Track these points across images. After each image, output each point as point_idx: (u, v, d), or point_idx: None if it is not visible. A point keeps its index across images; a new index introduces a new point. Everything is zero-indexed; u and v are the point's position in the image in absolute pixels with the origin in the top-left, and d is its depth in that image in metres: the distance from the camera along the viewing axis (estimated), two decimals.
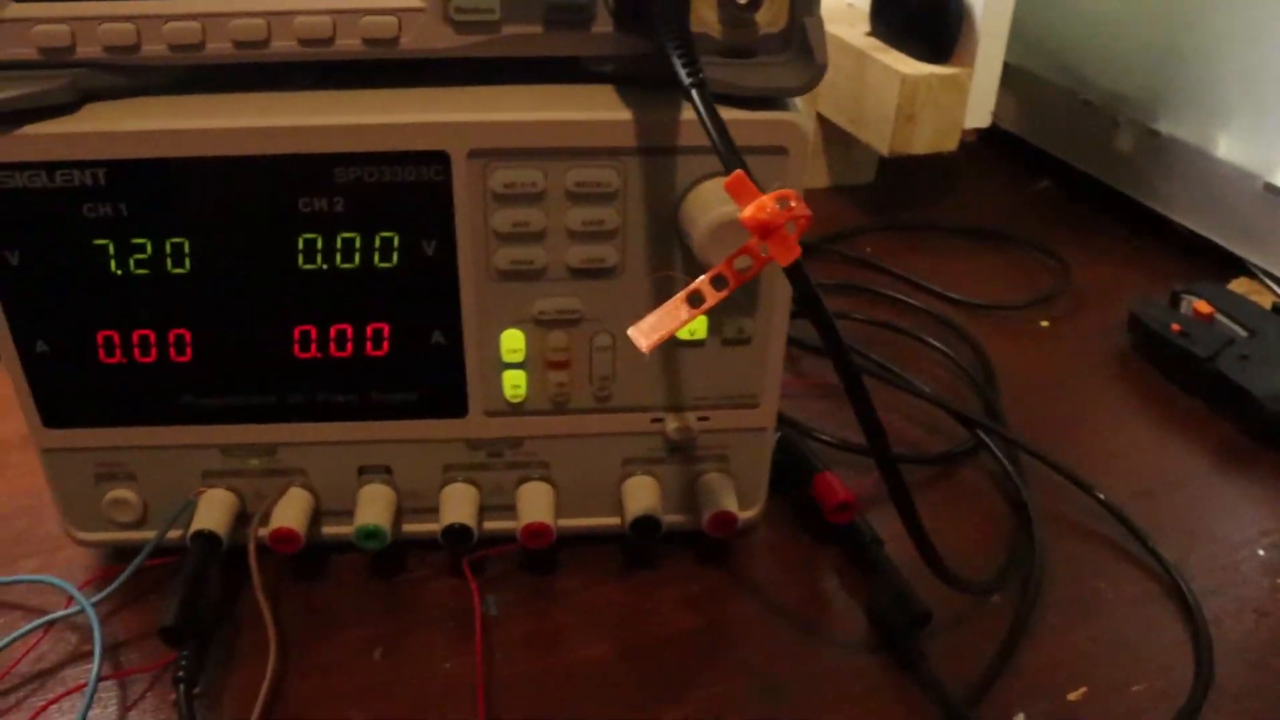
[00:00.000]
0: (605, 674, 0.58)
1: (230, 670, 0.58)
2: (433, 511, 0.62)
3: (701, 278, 0.43)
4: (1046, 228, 1.03)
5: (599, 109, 0.51)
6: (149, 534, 0.62)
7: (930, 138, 0.92)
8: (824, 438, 0.71)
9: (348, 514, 0.62)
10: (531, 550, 0.61)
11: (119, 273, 0.54)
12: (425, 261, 0.53)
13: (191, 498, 0.60)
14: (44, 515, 0.68)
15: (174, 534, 0.61)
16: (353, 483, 0.61)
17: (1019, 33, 0.90)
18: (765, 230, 0.39)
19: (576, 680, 0.58)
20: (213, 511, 0.59)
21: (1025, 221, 1.03)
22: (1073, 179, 1.08)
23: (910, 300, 0.89)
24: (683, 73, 0.42)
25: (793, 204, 0.38)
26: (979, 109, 0.91)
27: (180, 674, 0.54)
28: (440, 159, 0.51)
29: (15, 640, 0.58)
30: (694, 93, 0.42)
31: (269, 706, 0.55)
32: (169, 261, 0.53)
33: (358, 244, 0.53)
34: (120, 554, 0.63)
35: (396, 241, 0.53)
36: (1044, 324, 0.90)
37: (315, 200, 0.52)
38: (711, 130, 0.41)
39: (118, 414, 0.59)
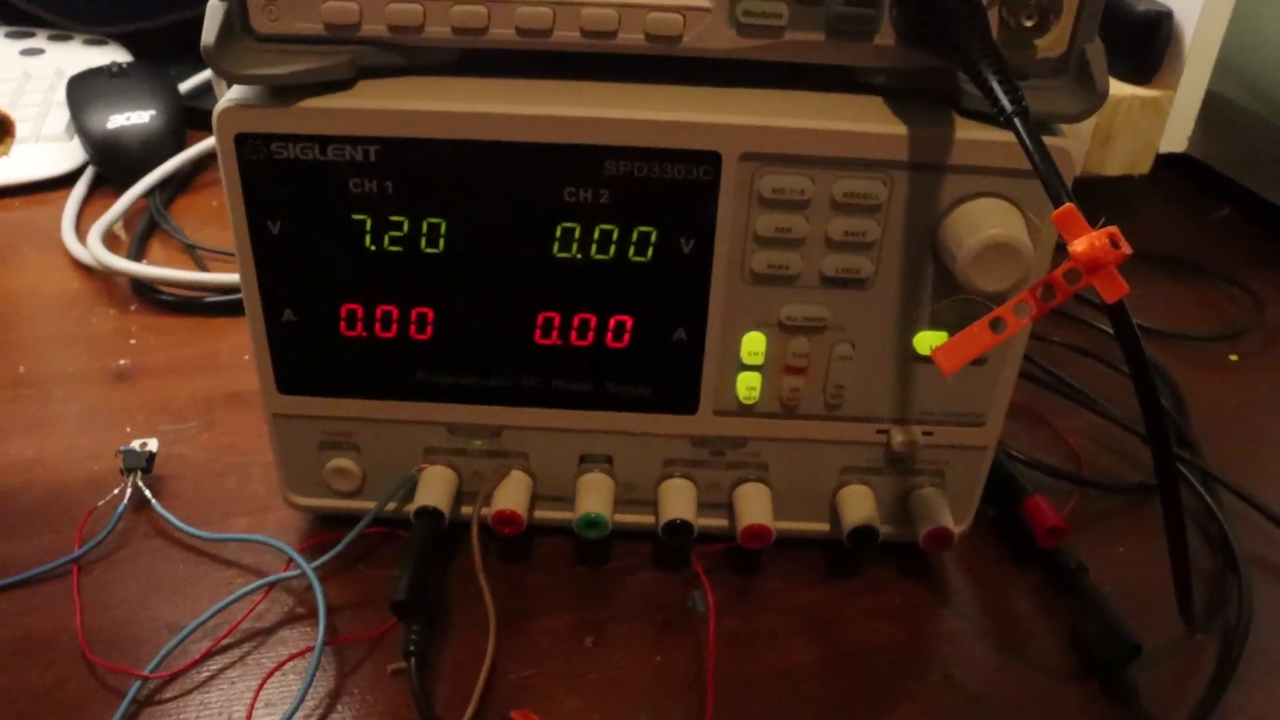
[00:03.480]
0: (813, 680, 0.58)
1: (445, 647, 0.59)
2: (646, 504, 0.63)
3: (1005, 304, 0.42)
4: (1232, 257, 1.00)
5: (873, 121, 0.51)
6: (364, 504, 0.62)
7: (1124, 160, 0.91)
8: (1018, 456, 0.69)
9: (560, 499, 0.63)
10: (747, 550, 0.61)
11: (373, 248, 0.55)
12: (680, 259, 0.54)
13: (414, 473, 0.60)
14: (252, 475, 0.69)
15: (388, 506, 0.62)
16: (572, 470, 0.61)
17: (1219, 58, 0.87)
18: (1093, 266, 0.39)
19: (785, 684, 0.58)
20: (436, 488, 0.59)
21: (1209, 250, 1.01)
22: (1260, 209, 1.04)
23: (1095, 324, 0.87)
24: (1005, 99, 0.42)
25: (1120, 244, 0.38)
26: (1176, 133, 0.90)
27: (412, 648, 0.54)
28: (712, 159, 0.51)
29: (240, 599, 0.58)
30: (1016, 120, 0.42)
31: (487, 685, 0.55)
32: (424, 240, 0.54)
33: (615, 236, 0.53)
34: (330, 521, 0.65)
35: (654, 237, 0.53)
36: (1233, 358, 0.88)
37: (581, 191, 0.52)
38: (1036, 159, 0.41)
39: (351, 386, 0.59)
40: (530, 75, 0.53)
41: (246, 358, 0.80)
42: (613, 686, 0.58)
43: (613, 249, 0.53)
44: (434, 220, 0.53)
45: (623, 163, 0.52)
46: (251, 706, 0.55)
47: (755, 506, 0.60)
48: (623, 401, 0.59)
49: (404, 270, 0.55)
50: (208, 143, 1.03)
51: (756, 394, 0.57)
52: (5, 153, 0.56)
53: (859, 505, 0.60)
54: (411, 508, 0.60)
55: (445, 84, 0.52)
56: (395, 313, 0.56)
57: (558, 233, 0.53)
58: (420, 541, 0.58)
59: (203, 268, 0.91)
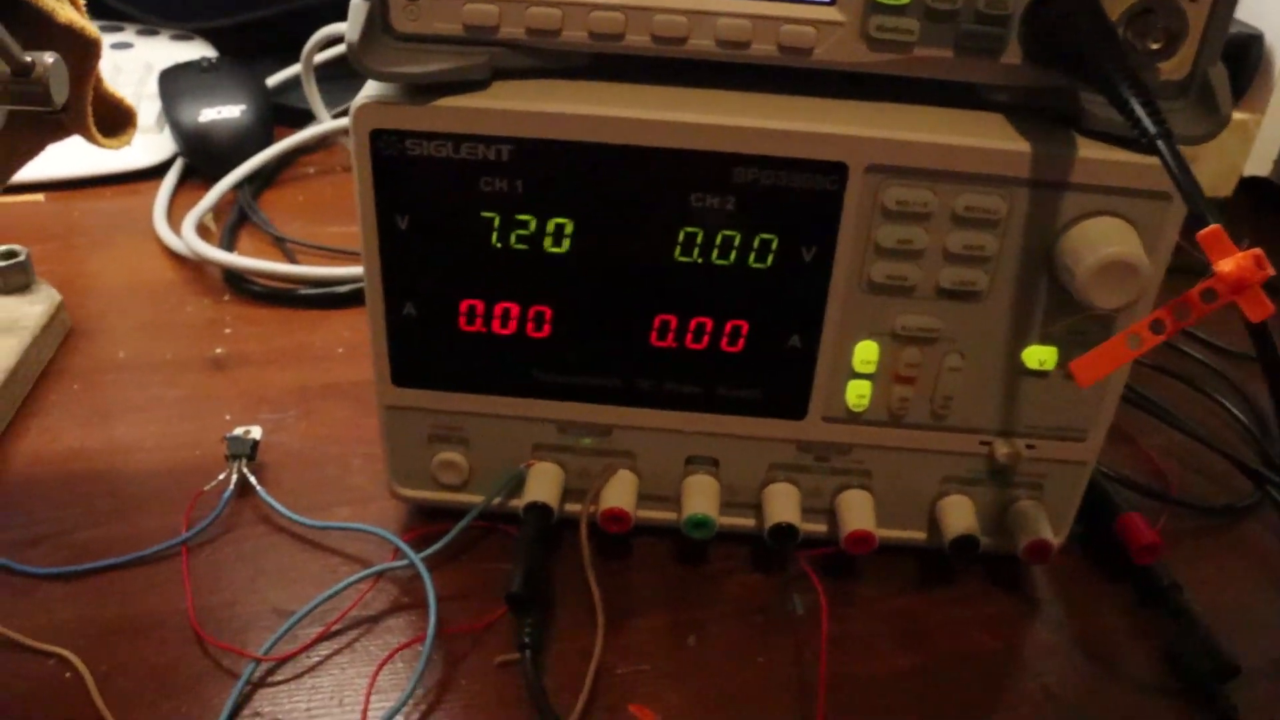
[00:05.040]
0: (911, 686, 0.59)
1: (548, 641, 0.60)
2: (747, 507, 0.64)
3: (1140, 321, 0.43)
4: None
5: (997, 138, 0.52)
6: (468, 498, 0.64)
7: (1208, 182, 0.91)
8: (1109, 473, 0.70)
9: (664, 500, 0.64)
10: (843, 555, 0.62)
11: (498, 246, 0.56)
12: (800, 267, 0.54)
13: (521, 468, 0.61)
14: (351, 465, 0.70)
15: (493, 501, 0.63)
16: (678, 471, 0.62)
17: None
18: (1239, 287, 0.39)
19: (883, 688, 0.59)
20: (544, 484, 0.60)
21: None
22: None
23: (1178, 345, 0.87)
24: (1148, 121, 0.43)
25: (1264, 265, 0.39)
26: (1261, 157, 0.90)
27: (526, 640, 0.55)
28: (838, 170, 0.52)
29: (348, 587, 0.59)
30: (1160, 143, 0.42)
31: (595, 680, 0.56)
32: (549, 240, 0.55)
33: (737, 242, 0.54)
34: (431, 513, 0.66)
35: (775, 244, 0.54)
36: None
37: (708, 197, 0.53)
38: (1182, 180, 0.42)
39: (465, 381, 0.61)
40: (658, 81, 0.54)
41: (340, 350, 0.82)
42: (716, 685, 0.58)
43: (734, 255, 0.54)
44: (560, 220, 0.54)
45: (751, 170, 0.52)
46: (368, 694, 0.55)
47: (860, 513, 0.61)
48: (733, 405, 0.60)
49: (527, 268, 0.56)
50: (295, 138, 1.05)
51: (866, 402, 0.58)
52: (127, 142, 0.57)
53: (960, 515, 0.60)
54: (520, 502, 0.61)
55: (578, 87, 0.53)
56: (515, 310, 0.57)
57: (680, 237, 0.54)
58: (531, 536, 0.59)
59: (291, 260, 0.92)
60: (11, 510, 0.67)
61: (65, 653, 0.57)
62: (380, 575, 0.62)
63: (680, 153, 0.52)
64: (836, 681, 0.58)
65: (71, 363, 0.80)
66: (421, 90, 0.52)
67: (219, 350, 0.81)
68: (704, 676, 0.59)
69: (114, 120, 0.58)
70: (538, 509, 0.60)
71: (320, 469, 0.70)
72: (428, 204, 0.55)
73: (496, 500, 0.64)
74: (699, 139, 0.52)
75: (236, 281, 0.88)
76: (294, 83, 1.11)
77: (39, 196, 1.01)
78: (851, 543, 0.60)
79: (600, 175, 0.53)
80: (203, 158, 1.04)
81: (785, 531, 0.60)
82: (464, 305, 0.57)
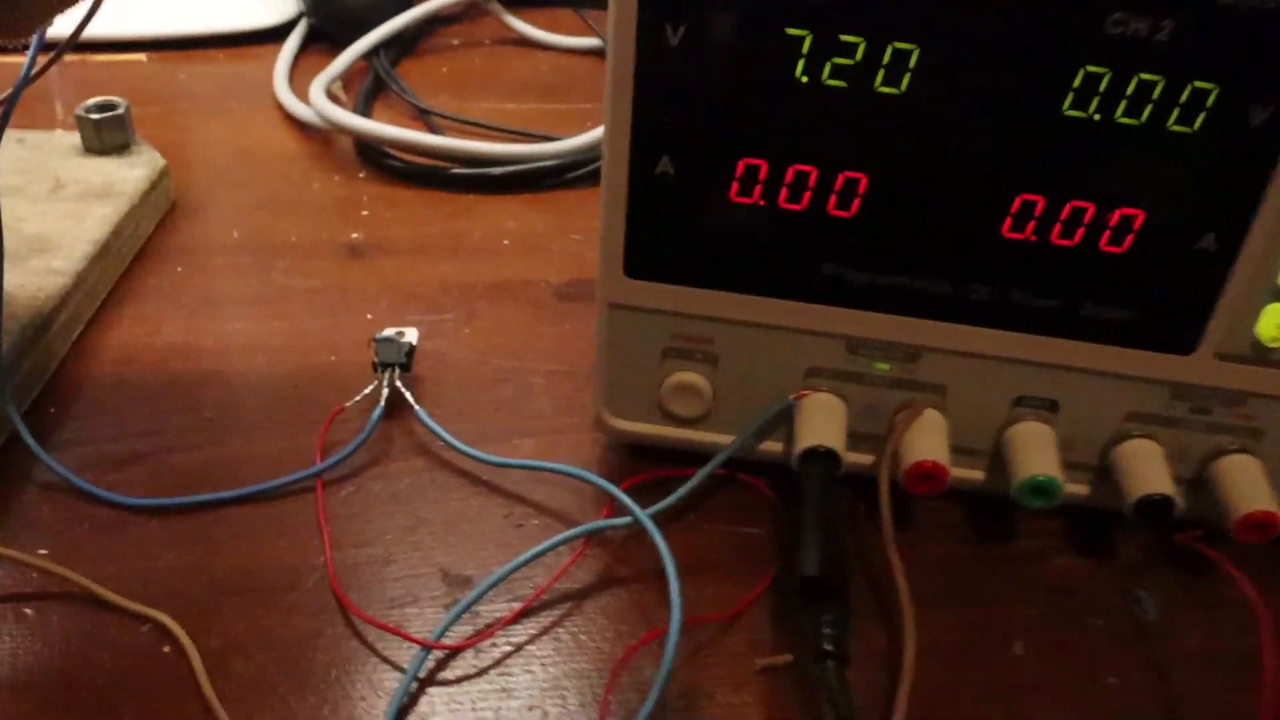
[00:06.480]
0: None
1: None
2: (1083, 469, 0.47)
3: None
4: None
5: None
6: (707, 435, 0.48)
7: None
8: None
9: (971, 454, 0.48)
10: (1245, 544, 0.44)
11: (804, 79, 0.39)
12: (1241, 134, 0.38)
13: (790, 400, 0.44)
14: (532, 386, 0.55)
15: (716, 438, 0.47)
16: (1000, 415, 0.46)
17: None
18: None
19: None
20: (825, 422, 0.44)
21: None
22: None
23: None
24: None
25: None
26: None
27: (828, 646, 0.39)
28: None
29: (547, 550, 0.43)
30: None
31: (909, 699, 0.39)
32: (880, 75, 0.39)
33: (1157, 92, 0.37)
34: (641, 453, 0.50)
35: (1212, 99, 0.36)
36: None
37: (1133, 21, 0.35)
38: None
39: (726, 274, 0.44)
40: None
41: (506, 242, 0.67)
42: (1056, 709, 0.42)
43: (1148, 110, 0.37)
44: (902, 46, 0.38)
45: None
46: (604, 710, 0.37)
47: (1253, 488, 0.43)
48: (1097, 329, 0.43)
49: (841, 116, 0.40)
50: (439, 1, 0.89)
51: None
52: None
53: None
54: (796, 448, 0.45)
55: None
56: (814, 176, 0.41)
57: (1077, 80, 0.38)
58: (818, 496, 0.41)
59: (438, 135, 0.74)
60: (97, 417, 0.52)
61: (163, 618, 0.42)
62: (589, 536, 0.43)
63: None
64: (1214, 711, 0.42)
65: (175, 241, 0.65)
66: None
67: (355, 235, 0.65)
68: (1040, 698, 0.42)
69: None
70: (823, 457, 0.42)
71: (492, 389, 0.55)
72: (715, 8, 0.38)
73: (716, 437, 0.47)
74: None
75: (374, 156, 0.73)
76: None
77: (140, 56, 0.87)
78: (1245, 528, 0.41)
79: None
80: (331, 19, 0.89)
81: (1158, 505, 0.42)
82: (741, 166, 0.41)
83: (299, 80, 0.82)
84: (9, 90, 0.46)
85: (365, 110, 0.78)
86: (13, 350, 0.49)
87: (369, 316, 0.59)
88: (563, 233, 0.65)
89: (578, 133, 0.71)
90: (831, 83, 0.38)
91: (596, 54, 0.88)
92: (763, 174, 0.40)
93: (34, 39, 0.45)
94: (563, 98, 0.82)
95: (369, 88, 0.80)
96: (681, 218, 0.42)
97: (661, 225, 0.42)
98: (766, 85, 0.39)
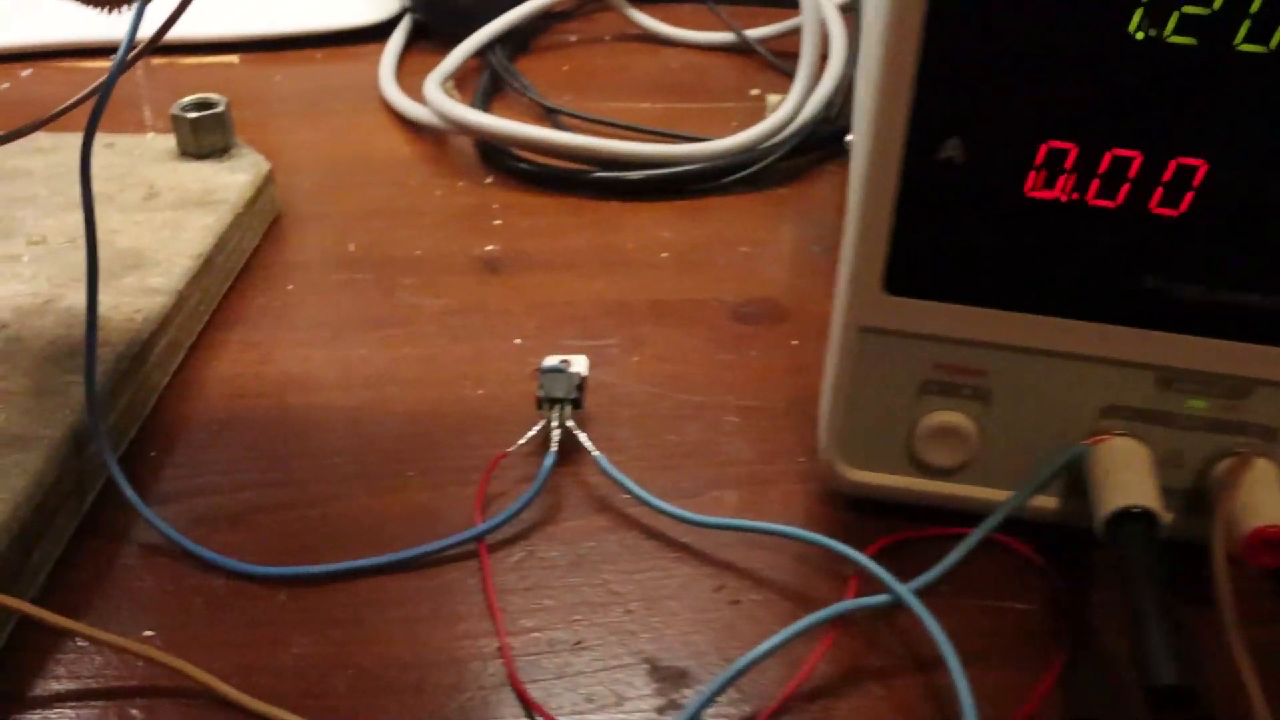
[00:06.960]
0: None
1: None
2: None
3: None
4: None
5: None
6: (963, 490, 0.39)
7: None
8: None
9: None
10: None
11: (1139, 36, 0.30)
12: None
13: (1081, 446, 0.35)
14: (724, 426, 0.46)
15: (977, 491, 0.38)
16: None
17: None
18: None
19: None
20: (1134, 475, 0.34)
21: None
22: None
23: None
24: None
25: None
26: None
27: None
28: None
29: (791, 639, 0.34)
30: None
31: None
32: (1245, 28, 0.29)
33: None
34: (868, 508, 0.41)
35: None
36: None
37: None
38: None
39: (1011, 290, 0.35)
40: None
41: (665, 255, 0.58)
42: None
43: None
44: None
45: None
46: None
47: None
48: None
49: (1185, 83, 0.30)
50: None
51: None
52: None
53: None
54: (1101, 508, 0.35)
55: None
56: (1136, 163, 0.32)
57: None
58: (1148, 573, 0.30)
59: None
60: (206, 464, 0.43)
61: None
62: (837, 621, 0.33)
63: None
64: None
65: (283, 255, 0.57)
66: None
67: (490, 247, 0.57)
68: None
69: None
70: (1139, 518, 0.32)
71: (676, 428, 0.46)
72: None
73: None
74: None
75: (501, 159, 0.65)
76: None
77: (232, 58, 0.80)
78: None
79: None
80: (439, 15, 0.81)
81: None
82: (1044, 150, 0.32)
83: (405, 80, 0.74)
84: (95, 85, 0.37)
85: (484, 111, 0.67)
86: (106, 383, 0.40)
87: (517, 342, 0.50)
88: (727, 244, 0.56)
89: (720, 134, 0.61)
90: (1176, 39, 0.29)
91: (732, 50, 0.79)
92: (1070, 162, 0.31)
93: (135, 5, 0.36)
94: (698, 97, 0.74)
95: (486, 86, 0.73)
96: (967, 217, 0.33)
97: (941, 226, 0.33)
98: (1088, 44, 0.30)
